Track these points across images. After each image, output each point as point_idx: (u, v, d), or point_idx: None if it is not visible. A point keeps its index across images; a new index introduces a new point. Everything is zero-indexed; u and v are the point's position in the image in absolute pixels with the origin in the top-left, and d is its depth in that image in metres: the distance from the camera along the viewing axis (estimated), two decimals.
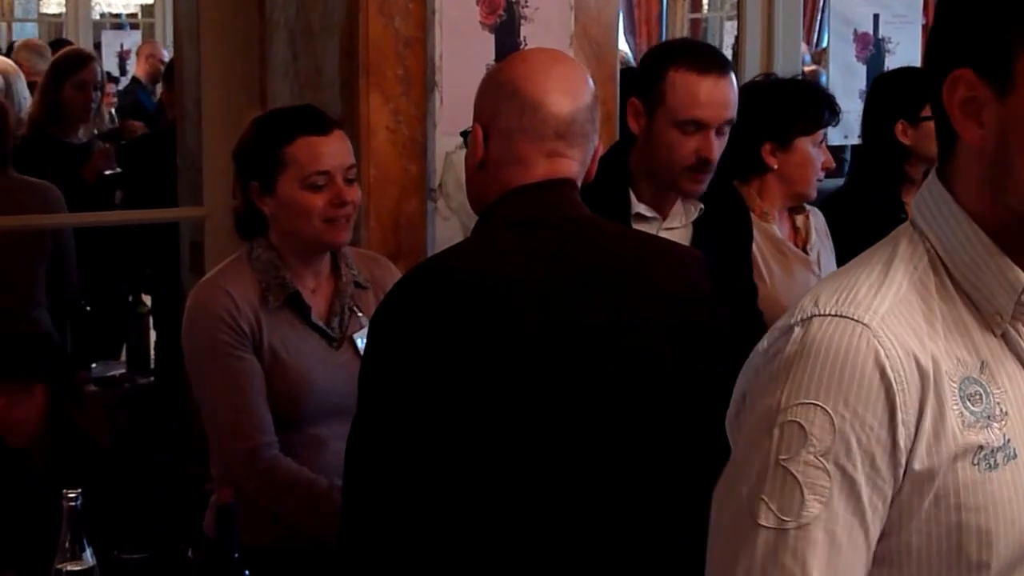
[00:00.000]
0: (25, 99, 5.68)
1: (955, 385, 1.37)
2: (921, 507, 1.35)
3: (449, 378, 2.10)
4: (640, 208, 3.03)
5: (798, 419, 1.33)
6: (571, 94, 2.25)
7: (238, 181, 2.92)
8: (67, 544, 2.38)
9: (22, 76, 5.94)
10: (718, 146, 2.95)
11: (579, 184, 2.28)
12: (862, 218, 3.57)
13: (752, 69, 4.82)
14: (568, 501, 2.14)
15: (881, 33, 4.89)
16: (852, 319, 1.35)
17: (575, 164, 2.25)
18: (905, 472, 1.35)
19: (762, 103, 3.44)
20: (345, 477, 2.21)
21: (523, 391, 2.11)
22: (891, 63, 4.81)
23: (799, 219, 3.64)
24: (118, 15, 11.42)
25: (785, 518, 1.34)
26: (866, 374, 1.33)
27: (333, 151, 2.80)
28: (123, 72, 10.39)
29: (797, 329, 1.37)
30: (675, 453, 2.16)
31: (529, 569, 2.13)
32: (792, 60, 4.84)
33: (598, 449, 2.15)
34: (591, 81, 2.31)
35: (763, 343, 1.42)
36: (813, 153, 3.55)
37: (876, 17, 4.87)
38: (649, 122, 2.97)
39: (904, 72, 4.09)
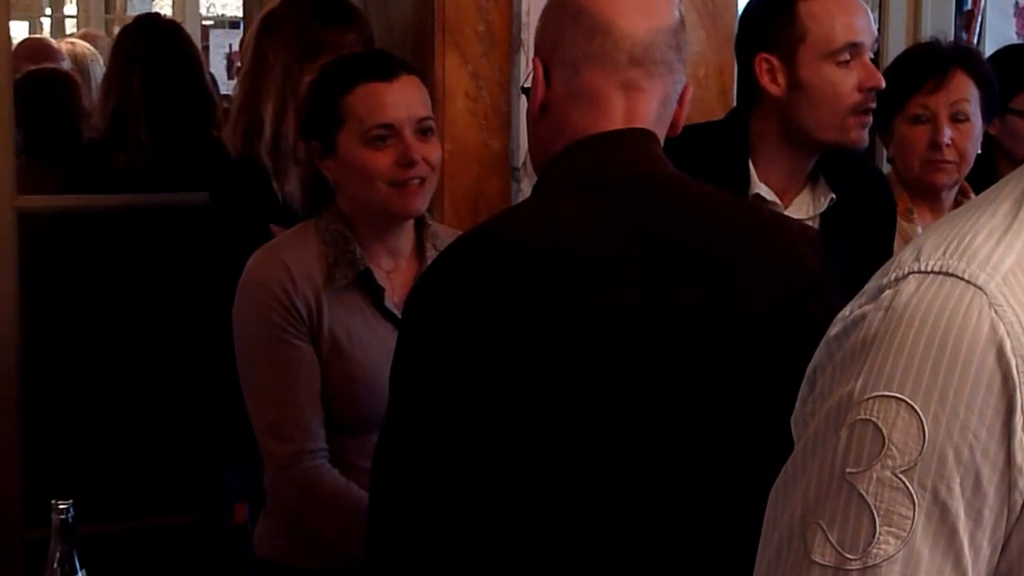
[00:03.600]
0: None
1: None
2: None
3: (501, 372, 1.77)
4: (760, 188, 2.68)
5: (874, 418, 1.00)
6: (648, 13, 1.91)
7: (302, 143, 2.62)
8: (55, 564, 2.11)
9: (100, 60, 5.76)
10: None
11: (663, 134, 1.94)
12: None
13: (897, 48, 4.39)
14: (647, 520, 1.80)
15: None
16: (961, 278, 1.01)
17: (654, 100, 1.91)
18: None
19: None
20: (372, 494, 1.89)
21: (591, 388, 1.77)
22: None
23: None
24: (225, 16, 11.35)
25: (848, 555, 1.00)
26: (974, 358, 0.98)
27: (398, 100, 2.46)
28: (231, 76, 10.23)
29: (887, 292, 1.03)
30: (757, 481, 1.78)
31: None
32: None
33: (681, 460, 1.81)
34: (677, 6, 1.97)
35: (845, 310, 1.07)
36: (909, 134, 3.06)
37: None
38: (792, 72, 2.64)
39: (996, 54, 3.65)
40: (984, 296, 1.00)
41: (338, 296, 2.47)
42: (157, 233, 3.77)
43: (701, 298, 1.81)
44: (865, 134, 2.66)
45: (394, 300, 2.50)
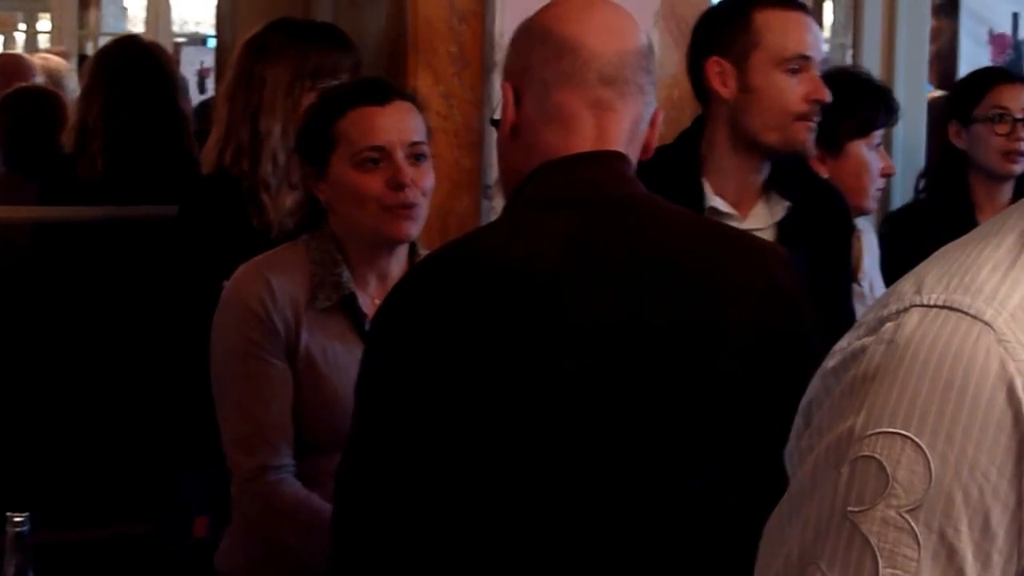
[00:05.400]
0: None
1: None
2: None
3: (471, 389, 1.77)
4: (715, 202, 2.71)
5: (877, 455, 0.96)
6: (616, 34, 1.93)
7: (298, 167, 2.64)
8: None
9: (74, 75, 5.78)
10: None
11: (635, 156, 1.94)
12: (929, 239, 3.17)
13: (871, 61, 4.38)
14: (614, 540, 1.79)
15: (1021, 35, 4.47)
16: (967, 313, 0.97)
17: (626, 121, 1.91)
18: None
19: None
20: (336, 510, 1.89)
21: (562, 405, 1.77)
22: None
23: None
24: (198, 33, 11.32)
25: None
26: (983, 396, 0.95)
27: (390, 124, 2.47)
28: (202, 91, 10.20)
29: (889, 325, 0.99)
30: (746, 487, 1.78)
31: None
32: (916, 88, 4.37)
33: (653, 479, 1.80)
34: (643, 30, 2.00)
35: (842, 342, 1.03)
36: (868, 158, 3.19)
37: (1015, 17, 4.44)
38: (743, 76, 2.70)
39: (971, 72, 3.83)
40: (992, 332, 0.97)
41: (320, 317, 2.48)
42: (128, 245, 3.76)
43: (673, 317, 1.81)
44: (811, 140, 2.73)
45: None
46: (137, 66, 3.98)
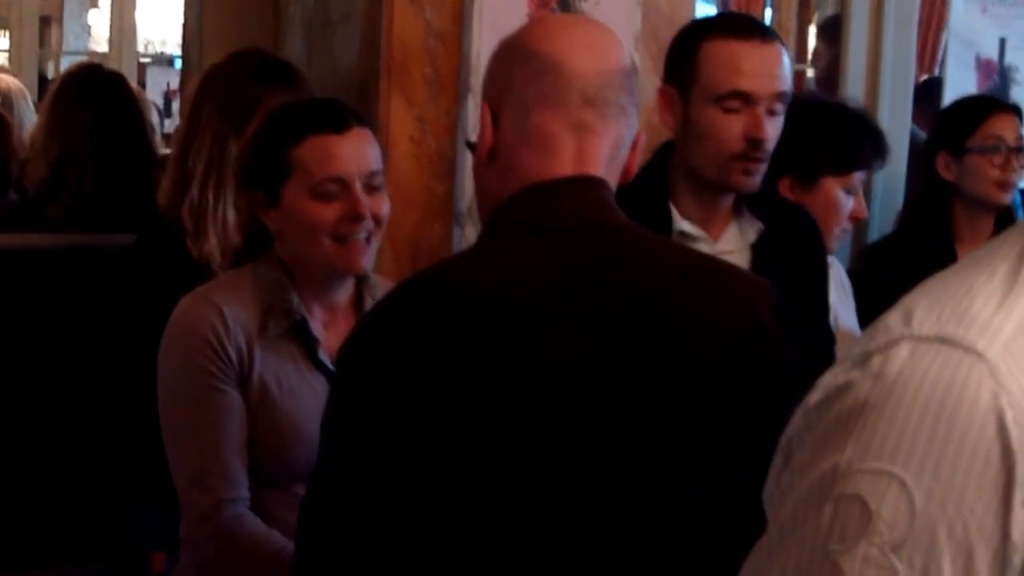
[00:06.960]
0: (30, 120, 5.41)
1: None
2: None
3: (446, 423, 1.72)
4: (683, 225, 2.66)
5: (861, 492, 0.95)
6: (599, 53, 1.89)
7: (241, 190, 2.58)
8: None
9: (28, 96, 5.75)
10: (771, 127, 2.59)
11: (614, 181, 1.91)
12: (908, 271, 3.18)
13: (856, 76, 4.37)
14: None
15: (1008, 60, 4.46)
16: (960, 345, 0.96)
17: (607, 144, 1.88)
18: None
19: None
20: (299, 549, 1.83)
21: (538, 445, 1.73)
22: (1018, 96, 4.36)
23: None
24: (163, 53, 11.30)
25: None
26: (973, 428, 0.94)
27: (349, 153, 2.42)
28: (168, 113, 10.19)
29: (876, 358, 0.98)
30: (728, 526, 1.75)
31: None
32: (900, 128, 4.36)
33: (631, 521, 1.76)
34: (627, 49, 1.96)
35: (826, 377, 1.02)
36: (840, 198, 3.13)
37: (1003, 42, 4.43)
38: (685, 108, 2.61)
39: (958, 101, 3.82)
40: (985, 363, 0.95)
41: (271, 344, 2.45)
42: (87, 274, 3.72)
43: (653, 348, 1.77)
44: (750, 179, 2.62)
45: (328, 352, 2.47)
46: (105, 97, 3.93)
